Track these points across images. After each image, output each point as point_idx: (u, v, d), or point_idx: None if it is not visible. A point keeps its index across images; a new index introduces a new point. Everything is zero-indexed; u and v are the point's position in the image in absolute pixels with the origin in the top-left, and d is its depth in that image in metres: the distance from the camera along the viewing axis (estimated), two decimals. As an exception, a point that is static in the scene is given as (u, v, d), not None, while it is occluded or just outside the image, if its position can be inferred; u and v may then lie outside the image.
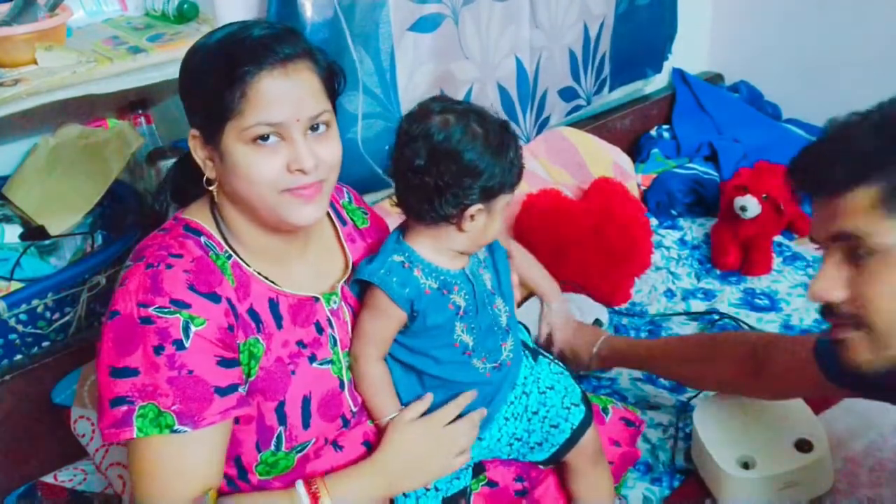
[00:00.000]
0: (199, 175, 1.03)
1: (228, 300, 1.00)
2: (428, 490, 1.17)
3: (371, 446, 1.14)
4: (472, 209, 1.09)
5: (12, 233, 1.57)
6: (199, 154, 1.01)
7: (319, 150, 1.00)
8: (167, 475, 0.96)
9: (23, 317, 1.39)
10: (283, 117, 0.96)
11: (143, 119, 1.74)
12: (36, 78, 1.31)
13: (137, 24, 1.56)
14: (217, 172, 1.01)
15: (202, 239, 1.03)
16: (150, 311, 0.94)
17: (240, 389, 0.99)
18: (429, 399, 1.16)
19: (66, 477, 1.45)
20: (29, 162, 1.63)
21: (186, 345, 0.95)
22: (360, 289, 1.15)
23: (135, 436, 0.93)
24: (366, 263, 1.14)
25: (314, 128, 1.00)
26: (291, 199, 0.99)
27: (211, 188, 1.04)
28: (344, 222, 1.21)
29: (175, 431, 0.94)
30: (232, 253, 1.04)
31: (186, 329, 0.95)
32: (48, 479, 1.44)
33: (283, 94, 0.96)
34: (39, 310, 1.41)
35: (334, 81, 1.05)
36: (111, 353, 0.95)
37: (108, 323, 0.96)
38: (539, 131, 2.18)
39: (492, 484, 1.25)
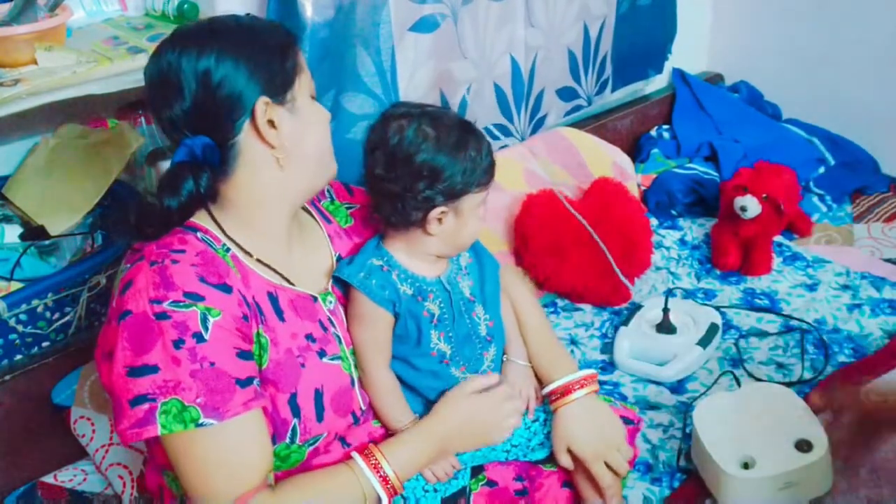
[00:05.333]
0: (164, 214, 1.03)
1: (239, 291, 1.00)
2: (427, 491, 1.17)
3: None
4: (436, 211, 1.10)
5: (12, 233, 1.56)
6: (263, 120, 1.01)
7: None
8: (210, 468, 0.95)
9: (23, 317, 1.39)
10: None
11: (143, 119, 1.74)
12: (36, 78, 1.31)
13: (137, 24, 1.56)
14: (288, 136, 1.03)
15: (198, 234, 1.03)
16: (165, 306, 0.94)
17: (255, 383, 0.99)
18: (494, 378, 1.19)
19: (66, 477, 1.45)
20: (29, 162, 1.63)
21: (206, 337, 0.94)
22: (344, 292, 1.16)
23: (159, 433, 0.92)
24: (346, 264, 1.15)
25: None
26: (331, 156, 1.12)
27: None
28: (329, 221, 1.23)
29: (200, 425, 0.93)
30: (230, 246, 1.04)
31: (205, 321, 0.95)
32: (48, 479, 1.44)
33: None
34: (39, 310, 1.41)
35: None
36: (127, 352, 0.94)
37: (120, 323, 0.95)
38: (534, 130, 2.18)
39: (491, 483, 1.25)
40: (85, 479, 1.45)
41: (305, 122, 1.05)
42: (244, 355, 0.99)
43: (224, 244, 1.04)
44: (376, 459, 1.06)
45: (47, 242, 1.56)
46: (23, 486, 1.45)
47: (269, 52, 1.01)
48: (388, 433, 1.16)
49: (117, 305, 0.97)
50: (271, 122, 1.01)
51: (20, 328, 1.40)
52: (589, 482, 1.22)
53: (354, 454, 1.07)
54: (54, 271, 1.49)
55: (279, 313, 1.06)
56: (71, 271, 1.45)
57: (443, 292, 1.16)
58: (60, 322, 1.45)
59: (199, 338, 0.94)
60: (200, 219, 1.05)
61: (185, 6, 1.52)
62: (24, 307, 1.39)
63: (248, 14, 1.08)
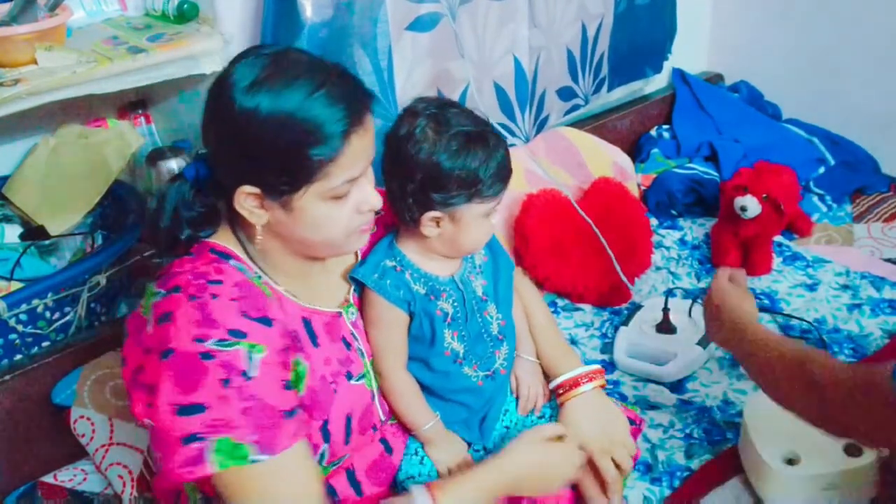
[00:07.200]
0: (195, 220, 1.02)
1: (279, 321, 0.99)
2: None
3: (387, 444, 1.15)
4: (428, 215, 1.08)
5: (12, 233, 1.57)
6: (248, 205, 0.97)
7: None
8: (271, 500, 0.94)
9: (23, 317, 1.39)
10: (363, 169, 0.98)
11: (143, 119, 1.74)
12: (36, 78, 1.31)
13: (137, 24, 1.56)
14: (273, 222, 0.98)
15: (231, 262, 1.01)
16: (208, 345, 0.92)
17: (299, 411, 0.98)
18: (562, 428, 1.16)
19: (66, 477, 1.45)
20: (29, 162, 1.63)
21: (253, 374, 0.93)
22: (360, 293, 1.15)
23: (213, 471, 0.91)
24: (359, 265, 1.14)
25: None
26: (357, 236, 1.03)
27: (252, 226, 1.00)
28: None
29: (254, 461, 0.92)
30: (261, 273, 1.03)
31: (250, 358, 0.93)
32: (48, 479, 1.44)
33: (364, 148, 0.97)
34: (39, 310, 1.41)
35: None
36: (173, 391, 0.92)
37: (163, 361, 0.92)
38: (538, 131, 2.18)
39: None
40: (85, 479, 1.45)
41: (304, 220, 0.98)
42: (290, 385, 0.98)
43: (256, 272, 1.03)
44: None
45: (47, 242, 1.57)
46: (23, 486, 1.45)
47: (279, 153, 0.92)
48: (408, 431, 1.17)
49: (157, 338, 0.94)
50: (260, 203, 0.97)
51: (20, 328, 1.40)
52: (591, 477, 1.22)
53: (415, 491, 1.02)
54: (54, 271, 1.49)
55: (313, 339, 1.05)
56: (71, 271, 1.45)
57: (456, 291, 1.15)
58: (60, 322, 1.45)
59: (245, 375, 0.93)
60: (232, 244, 1.03)
61: (185, 6, 1.52)
62: (24, 307, 1.39)
63: (326, 69, 0.97)
